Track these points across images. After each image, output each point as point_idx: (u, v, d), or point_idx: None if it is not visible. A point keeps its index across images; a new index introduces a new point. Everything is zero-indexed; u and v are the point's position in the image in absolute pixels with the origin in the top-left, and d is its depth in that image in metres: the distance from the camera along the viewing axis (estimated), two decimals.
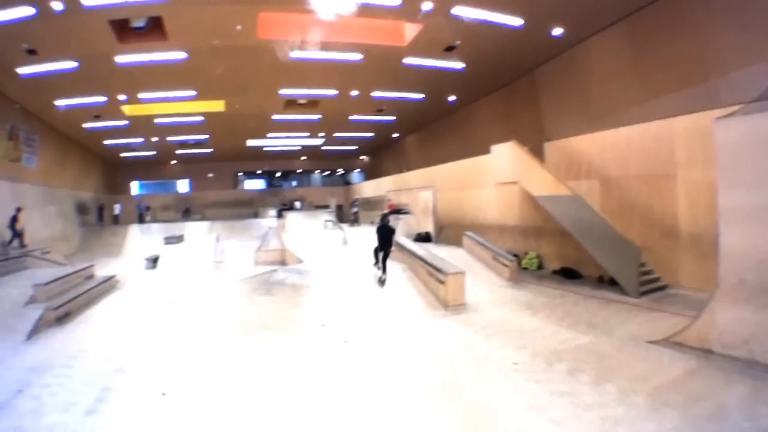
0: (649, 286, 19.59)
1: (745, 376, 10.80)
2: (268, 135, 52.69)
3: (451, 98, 40.61)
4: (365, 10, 22.15)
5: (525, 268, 26.25)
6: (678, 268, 20.02)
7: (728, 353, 11.89)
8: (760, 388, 10.20)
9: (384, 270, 20.96)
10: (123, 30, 23.16)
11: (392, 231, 21.70)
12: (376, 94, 38.38)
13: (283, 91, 36.50)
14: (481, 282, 22.04)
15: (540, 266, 26.53)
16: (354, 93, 37.61)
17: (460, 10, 22.96)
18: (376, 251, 21.58)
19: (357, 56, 28.91)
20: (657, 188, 20.93)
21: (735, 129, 12.56)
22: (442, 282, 18.93)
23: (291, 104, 40.40)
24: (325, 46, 26.62)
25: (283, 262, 29.29)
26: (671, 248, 20.27)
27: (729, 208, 12.49)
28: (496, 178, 28.45)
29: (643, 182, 21.62)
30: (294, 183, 77.62)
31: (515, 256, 25.36)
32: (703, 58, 20.52)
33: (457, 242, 29.45)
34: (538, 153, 26.93)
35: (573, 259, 23.88)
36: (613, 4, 23.04)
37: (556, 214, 23.17)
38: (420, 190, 39.44)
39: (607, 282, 21.27)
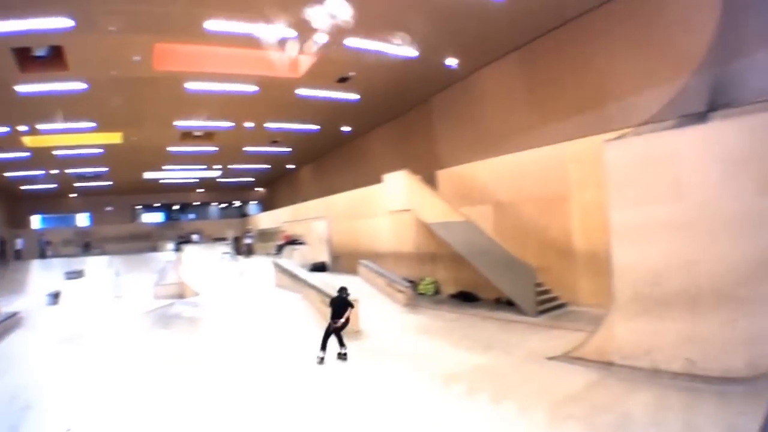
0: (547, 305, 19.64)
1: (650, 385, 10.83)
2: (165, 167, 51.00)
3: (346, 129, 40.38)
4: (260, 42, 21.43)
5: (422, 294, 25.75)
6: (575, 286, 20.14)
7: (630, 364, 11.97)
8: (665, 395, 10.24)
9: (341, 343, 15.82)
10: (25, 58, 21.86)
11: (350, 306, 16.40)
12: (271, 125, 37.72)
13: (179, 123, 35.28)
14: (378, 309, 21.70)
15: (437, 291, 26.17)
16: (249, 125, 36.76)
17: (354, 42, 22.65)
18: (327, 334, 15.75)
19: (252, 88, 28.16)
20: (551, 210, 21.12)
21: (623, 150, 12.99)
22: None
23: (187, 136, 39.11)
24: (221, 78, 25.93)
25: (181, 296, 28.48)
26: (568, 267, 20.40)
27: (620, 225, 12.85)
28: (390, 206, 28.07)
29: (537, 205, 21.80)
30: (192, 216, 75.58)
31: (411, 282, 25.12)
32: (598, 85, 20.97)
33: (353, 271, 29.08)
34: (432, 181, 26.91)
35: (469, 283, 23.70)
36: (508, 34, 23.30)
37: (450, 240, 23.00)
38: (315, 220, 38.97)
39: (505, 303, 21.10)
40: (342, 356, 15.57)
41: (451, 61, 25.54)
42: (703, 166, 11.72)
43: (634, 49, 19.36)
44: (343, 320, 15.93)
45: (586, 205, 19.41)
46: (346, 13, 17.29)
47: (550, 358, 13.52)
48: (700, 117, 12.61)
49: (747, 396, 9.46)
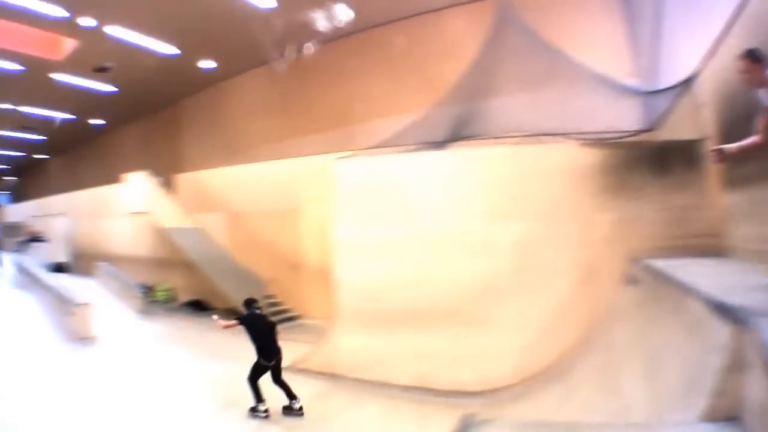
0: (278, 317, 18.85)
1: (378, 397, 11.01)
2: None
3: (100, 122, 37.79)
4: (26, 17, 19.46)
5: (158, 300, 24.27)
6: (307, 299, 19.97)
7: (357, 376, 11.94)
8: (395, 407, 10.60)
9: (289, 393, 10.78)
10: None
11: (272, 326, 11.42)
12: (27, 109, 33.80)
13: None
14: (113, 314, 20.55)
15: (173, 298, 24.84)
16: (7, 106, 32.80)
17: (116, 31, 21.02)
18: (256, 373, 10.90)
19: (15, 66, 25.10)
20: (285, 223, 21.11)
21: (352, 170, 13.39)
22: (70, 314, 17.30)
23: None
24: None
25: None
26: (299, 280, 20.29)
27: (345, 242, 13.33)
28: (130, 208, 26.56)
29: (272, 217, 21.75)
30: None
31: (148, 287, 23.98)
32: (349, 104, 21.30)
33: (94, 272, 27.49)
34: (174, 184, 26.23)
35: (204, 291, 22.73)
36: (264, 46, 22.08)
37: (184, 247, 22.25)
38: (59, 216, 36.48)
39: (237, 313, 20.13)
40: (297, 411, 10.61)
41: (209, 64, 24.51)
42: (435, 191, 12.27)
43: (387, 75, 20.03)
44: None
45: (319, 221, 19.18)
46: None
47: None
48: (438, 145, 13.03)
49: (480, 408, 9.50)
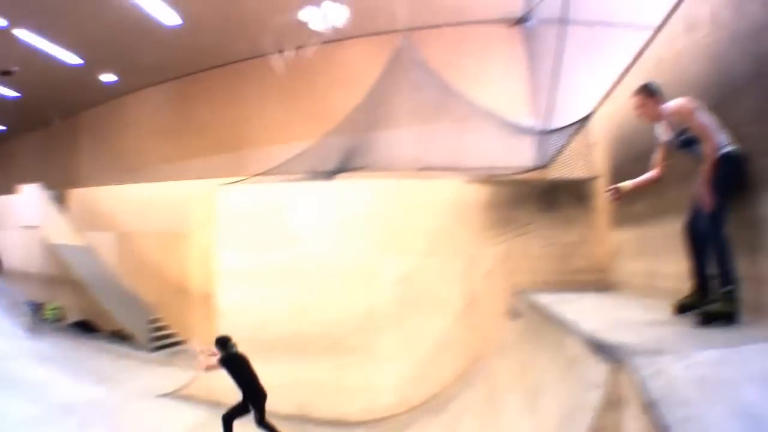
0: (164, 342, 19.06)
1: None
2: None
3: (1, 127, 36.00)
4: None
5: (46, 319, 22.97)
6: (193, 324, 19.04)
7: None
8: None
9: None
10: None
11: (247, 361, 10.05)
12: None
13: None
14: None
15: (61, 317, 23.55)
16: None
17: (25, 34, 20.18)
18: (235, 414, 9.87)
19: None
20: (172, 246, 20.68)
21: (235, 197, 13.64)
22: None
23: None
24: None
25: None
26: (185, 305, 19.56)
27: (227, 269, 13.39)
28: (22, 220, 25.23)
29: (160, 239, 21.33)
30: None
31: (38, 305, 22.62)
32: (244, 129, 21.31)
33: None
34: (67, 199, 25.32)
35: (92, 312, 21.87)
36: (169, 63, 22.53)
37: (72, 264, 21.54)
38: None
39: (123, 336, 19.96)
40: None
41: (109, 78, 24.08)
42: (320, 221, 12.47)
43: (283, 102, 20.23)
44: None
45: (205, 246, 18.52)
46: None
47: (162, 396, 12.89)
48: (327, 175, 13.23)
49: None
